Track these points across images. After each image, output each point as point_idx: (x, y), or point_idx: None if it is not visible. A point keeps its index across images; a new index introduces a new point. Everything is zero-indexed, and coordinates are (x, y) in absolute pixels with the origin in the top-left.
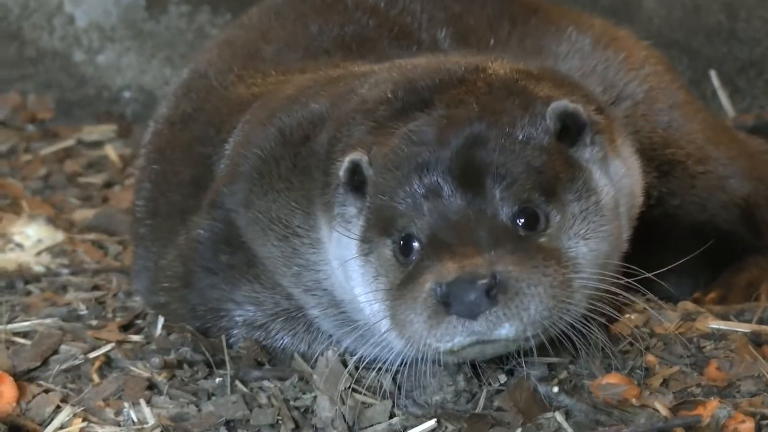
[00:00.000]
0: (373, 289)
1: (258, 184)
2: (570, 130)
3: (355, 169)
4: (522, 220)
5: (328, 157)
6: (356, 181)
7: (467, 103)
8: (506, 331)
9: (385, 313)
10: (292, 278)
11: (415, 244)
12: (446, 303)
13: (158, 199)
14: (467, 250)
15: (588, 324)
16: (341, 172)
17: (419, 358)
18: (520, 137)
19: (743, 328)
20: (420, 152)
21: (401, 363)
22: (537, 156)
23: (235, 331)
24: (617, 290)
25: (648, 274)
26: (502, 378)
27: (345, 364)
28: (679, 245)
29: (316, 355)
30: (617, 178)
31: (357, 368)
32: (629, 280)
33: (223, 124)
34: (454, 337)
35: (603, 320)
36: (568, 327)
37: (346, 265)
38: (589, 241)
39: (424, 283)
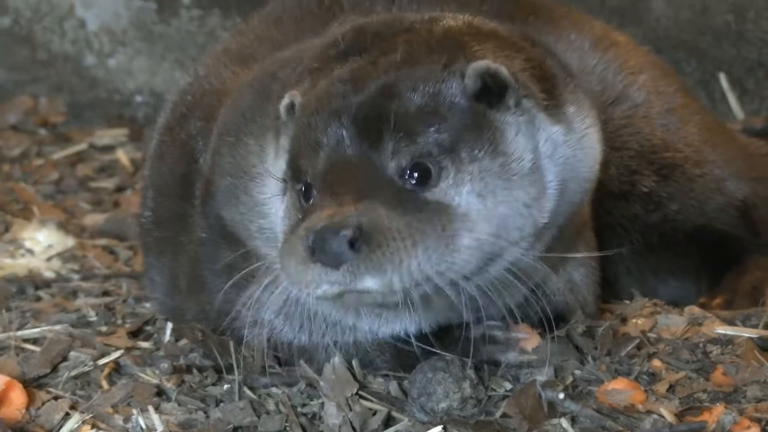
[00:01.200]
0: (282, 230)
1: (227, 144)
2: (491, 90)
3: (291, 107)
4: (414, 174)
5: (284, 89)
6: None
7: (395, 52)
8: (370, 283)
9: (278, 254)
10: (258, 234)
11: (313, 189)
12: (312, 251)
13: (159, 207)
14: (344, 199)
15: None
16: (281, 107)
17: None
18: (429, 92)
19: (749, 332)
20: (335, 99)
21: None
22: (443, 112)
23: (246, 332)
24: (528, 260)
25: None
26: (508, 385)
27: (352, 371)
28: (678, 249)
29: (315, 346)
30: (551, 145)
31: (364, 375)
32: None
33: (213, 114)
34: (320, 284)
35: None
36: (465, 284)
37: (271, 200)
38: (486, 199)
39: (300, 229)
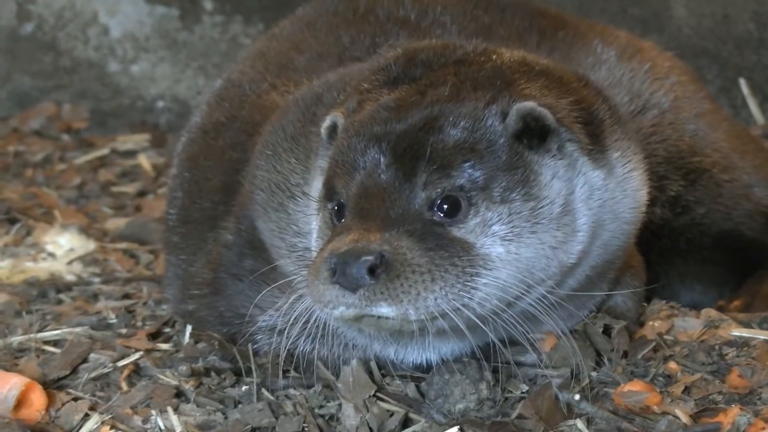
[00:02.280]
0: (313, 248)
1: (266, 159)
2: (534, 132)
3: (333, 128)
4: (443, 207)
5: (328, 112)
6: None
7: (444, 84)
8: (385, 309)
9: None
10: (287, 251)
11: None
12: (333, 272)
13: (189, 207)
14: (371, 225)
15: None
16: (322, 129)
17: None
18: (469, 128)
19: (765, 335)
20: (378, 125)
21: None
22: (479, 149)
23: (260, 337)
24: (540, 308)
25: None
26: (524, 387)
27: (370, 373)
28: (705, 253)
29: (337, 360)
30: (588, 189)
31: (382, 376)
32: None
33: (256, 129)
34: (337, 305)
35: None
36: (477, 323)
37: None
38: (509, 243)
39: (325, 251)
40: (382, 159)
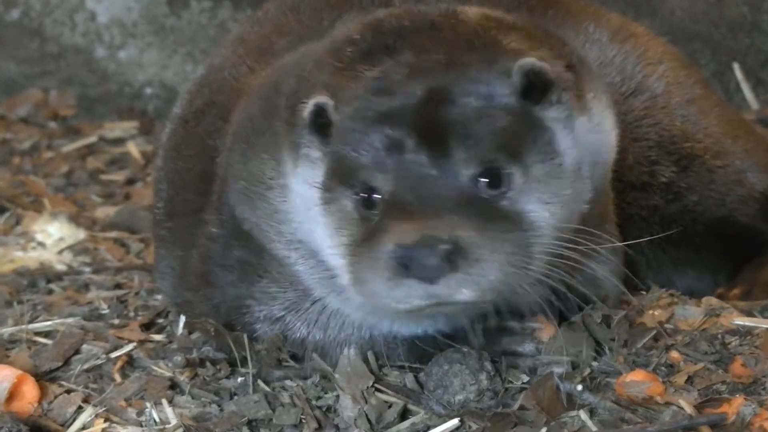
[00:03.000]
0: (336, 243)
1: (241, 152)
2: (535, 87)
3: (319, 111)
4: (484, 181)
5: (295, 96)
6: (320, 124)
7: (433, 52)
8: (464, 295)
9: (346, 269)
10: (276, 237)
11: (376, 197)
12: (406, 266)
13: (175, 198)
14: (429, 211)
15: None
16: (305, 114)
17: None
18: (485, 94)
19: None
20: (384, 102)
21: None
22: (501, 115)
23: (257, 326)
24: (571, 254)
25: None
26: (525, 377)
27: (367, 363)
28: (698, 240)
29: (330, 343)
30: (582, 135)
31: (380, 367)
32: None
33: (231, 114)
34: (413, 299)
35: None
36: (525, 290)
37: (309, 212)
38: (550, 205)
39: (385, 244)
40: (408, 140)
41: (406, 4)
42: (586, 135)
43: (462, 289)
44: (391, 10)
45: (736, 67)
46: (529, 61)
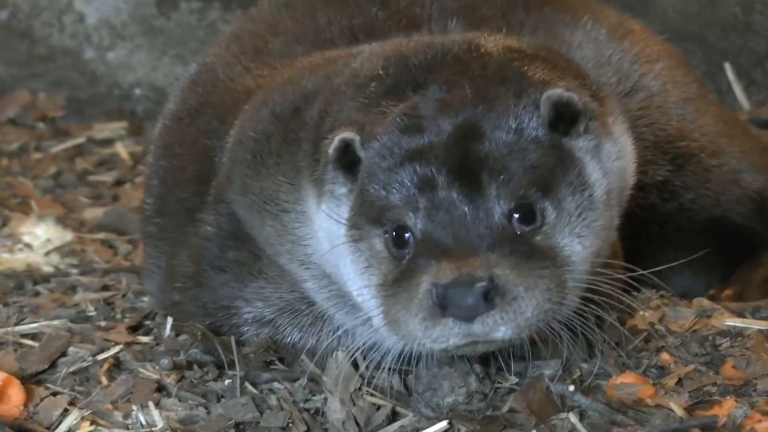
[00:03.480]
0: (366, 283)
1: (251, 166)
2: (563, 118)
3: (346, 148)
4: (518, 216)
5: (317, 130)
6: (347, 160)
7: (460, 87)
8: (502, 333)
9: (379, 309)
10: (287, 254)
11: (408, 236)
12: (443, 305)
13: (166, 196)
14: (464, 249)
15: (581, 321)
16: (331, 150)
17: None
18: (515, 128)
19: (759, 325)
20: (414, 138)
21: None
22: (532, 149)
23: (246, 328)
24: (606, 287)
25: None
26: (514, 378)
27: (356, 366)
28: (694, 240)
29: (323, 350)
30: (608, 163)
31: (368, 369)
32: (644, 272)
33: (227, 115)
34: (450, 338)
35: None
36: (560, 326)
37: (335, 248)
38: (583, 239)
39: (420, 284)
40: (439, 177)
41: (427, 35)
42: (613, 162)
43: (500, 327)
44: (410, 42)
45: (727, 67)
46: (557, 92)
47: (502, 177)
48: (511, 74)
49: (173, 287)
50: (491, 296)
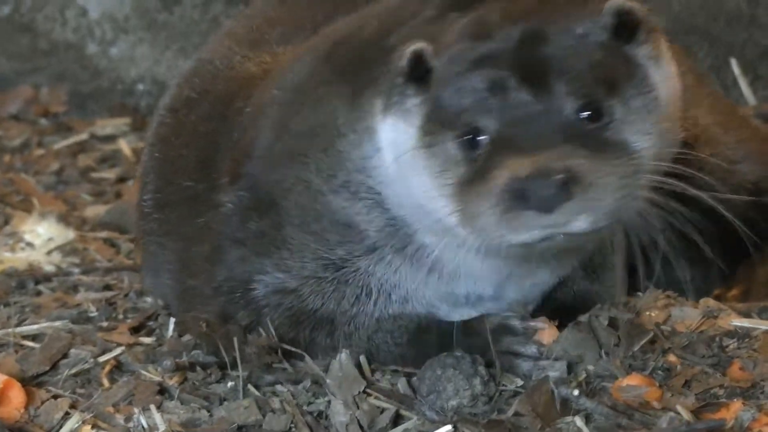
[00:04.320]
0: (441, 183)
1: (289, 111)
2: (625, 27)
3: (417, 58)
4: (586, 114)
5: (380, 45)
6: (419, 71)
7: None
8: (581, 223)
9: (454, 206)
10: (342, 188)
11: (482, 139)
12: (523, 197)
13: (165, 188)
14: (538, 144)
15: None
16: (403, 62)
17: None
18: (579, 32)
19: (767, 325)
20: (483, 45)
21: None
22: (597, 51)
23: (266, 301)
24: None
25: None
26: (519, 381)
27: (359, 368)
28: (690, 230)
29: (342, 316)
30: (668, 77)
31: (372, 371)
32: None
33: (233, 100)
34: (530, 229)
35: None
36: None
37: (402, 157)
38: (650, 136)
39: (498, 177)
40: (510, 80)
41: None
42: (671, 78)
43: (579, 216)
44: None
45: (733, 61)
46: (619, 0)
47: (569, 77)
48: None
49: (184, 275)
50: (569, 186)
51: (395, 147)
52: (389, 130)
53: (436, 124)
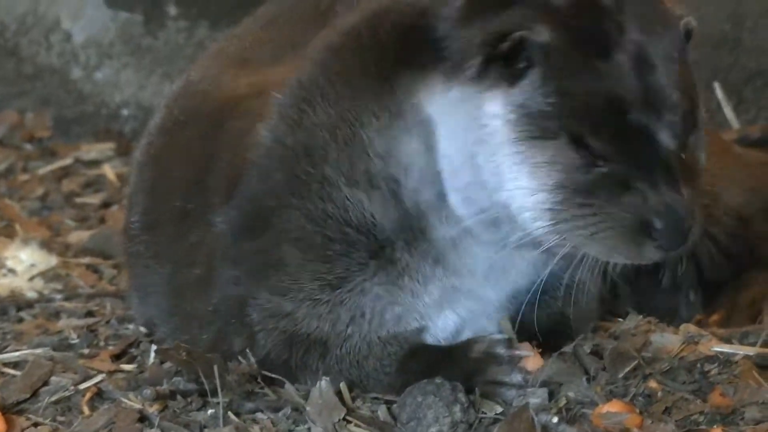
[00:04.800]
0: (547, 186)
1: (299, 109)
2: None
3: (517, 46)
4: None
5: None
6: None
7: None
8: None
9: (560, 208)
10: (362, 178)
11: (600, 151)
12: (652, 229)
13: (154, 209)
14: (665, 176)
15: None
16: (504, 45)
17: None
18: (682, 52)
19: (747, 351)
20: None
21: None
22: (693, 74)
23: (261, 326)
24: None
25: None
26: (498, 408)
27: (340, 395)
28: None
29: (336, 337)
30: None
31: (353, 399)
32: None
33: (224, 119)
34: (645, 259)
35: None
36: None
37: (481, 143)
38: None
39: (632, 205)
40: (629, 98)
41: None
42: None
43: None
44: None
45: (716, 85)
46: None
47: (687, 102)
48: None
49: (180, 297)
50: (691, 232)
51: (468, 130)
52: (456, 112)
53: (556, 122)
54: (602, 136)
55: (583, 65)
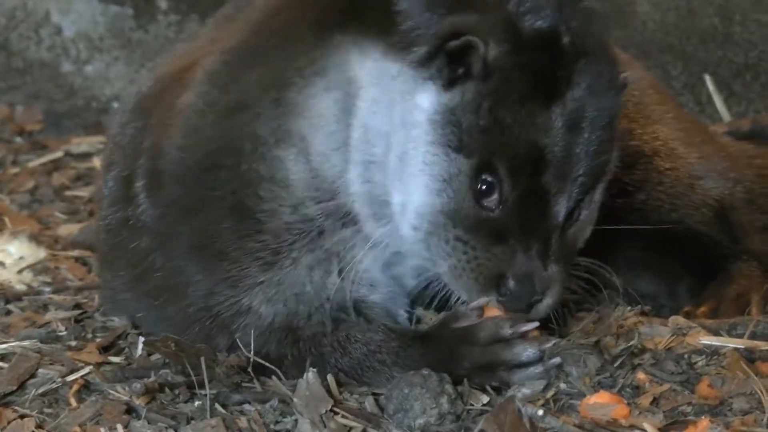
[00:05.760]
0: (436, 203)
1: (222, 82)
2: None
3: (464, 49)
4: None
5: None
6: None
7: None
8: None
9: (437, 242)
10: (285, 133)
11: (504, 187)
12: (505, 289)
13: (110, 214)
14: (544, 251)
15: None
16: (450, 45)
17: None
18: (614, 115)
19: (735, 343)
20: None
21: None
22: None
23: (235, 325)
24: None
25: None
26: (485, 398)
27: (327, 387)
28: (648, 240)
29: (295, 317)
30: None
31: (340, 390)
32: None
33: (151, 113)
34: (486, 302)
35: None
36: None
37: (403, 125)
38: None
39: (500, 259)
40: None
41: None
42: None
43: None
44: None
45: (707, 78)
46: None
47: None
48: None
49: (151, 299)
50: (541, 298)
51: (392, 108)
52: (385, 87)
53: (461, 140)
54: (511, 181)
55: (521, 104)
